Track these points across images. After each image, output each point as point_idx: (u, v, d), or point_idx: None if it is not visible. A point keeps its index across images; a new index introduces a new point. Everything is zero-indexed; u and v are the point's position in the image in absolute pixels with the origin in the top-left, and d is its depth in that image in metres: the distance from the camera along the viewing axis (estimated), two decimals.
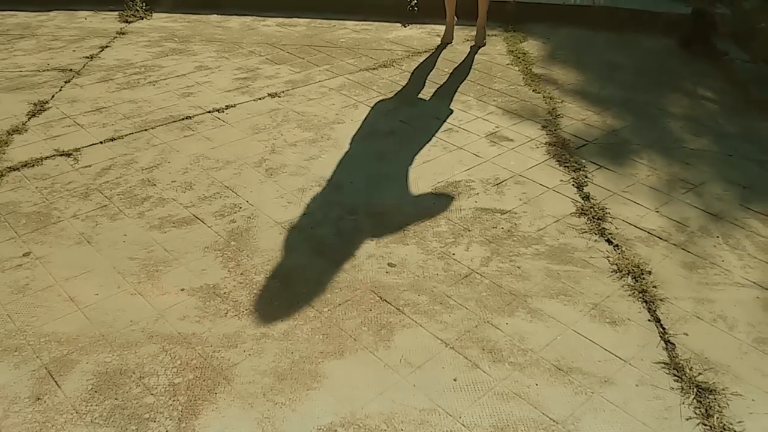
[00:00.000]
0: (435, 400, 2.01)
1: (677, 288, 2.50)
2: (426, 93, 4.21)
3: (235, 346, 2.19)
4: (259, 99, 4.04)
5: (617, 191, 3.12)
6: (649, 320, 2.34)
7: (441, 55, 4.85)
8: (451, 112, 3.91)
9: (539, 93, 4.19)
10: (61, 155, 3.33)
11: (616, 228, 2.84)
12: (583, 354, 2.19)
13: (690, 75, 4.60)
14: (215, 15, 5.69)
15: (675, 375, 2.11)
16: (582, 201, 3.03)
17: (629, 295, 2.45)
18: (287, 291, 2.45)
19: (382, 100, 4.05)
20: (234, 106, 3.93)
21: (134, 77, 4.32)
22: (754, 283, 2.54)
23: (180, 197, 3.01)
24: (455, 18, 5.10)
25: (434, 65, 4.64)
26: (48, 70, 4.40)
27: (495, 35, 5.24)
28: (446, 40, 5.10)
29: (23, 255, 2.60)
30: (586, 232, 2.82)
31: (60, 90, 4.09)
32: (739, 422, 1.96)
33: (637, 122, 3.85)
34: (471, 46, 5.02)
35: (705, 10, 4.91)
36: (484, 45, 5.03)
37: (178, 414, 1.94)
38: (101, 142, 3.47)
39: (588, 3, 5.61)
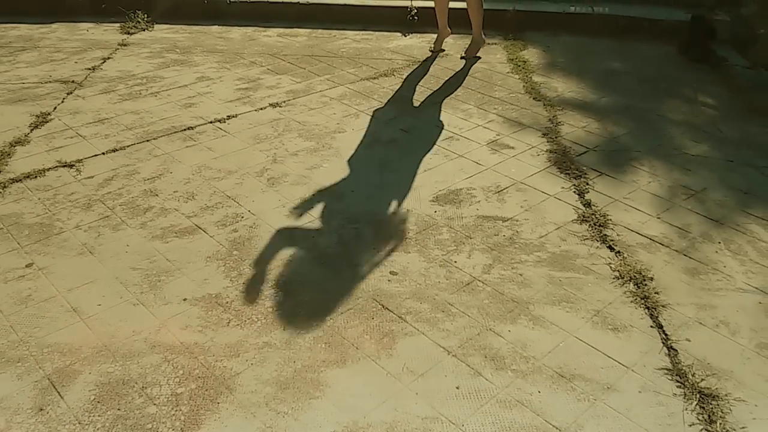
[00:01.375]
0: (437, 408, 2.01)
1: (679, 294, 2.50)
2: (427, 102, 4.22)
3: (238, 356, 2.19)
4: (261, 109, 4.06)
5: (618, 198, 3.12)
6: (651, 326, 2.34)
7: (441, 64, 4.86)
8: (451, 121, 3.92)
9: (539, 101, 4.20)
10: (63, 166, 3.34)
11: (618, 235, 2.85)
12: (586, 361, 2.19)
13: (690, 81, 4.61)
14: (216, 26, 5.72)
15: (678, 381, 2.11)
16: (583, 208, 3.04)
17: (631, 302, 2.45)
18: (289, 300, 2.45)
19: (383, 109, 4.07)
20: (235, 116, 3.95)
21: (136, 88, 4.35)
22: (756, 288, 2.54)
23: (182, 207, 3.02)
24: (448, 29, 5.02)
25: (435, 74, 4.66)
26: (50, 81, 4.42)
27: (495, 44, 5.25)
28: (435, 48, 5.06)
29: (26, 266, 2.61)
30: (587, 238, 2.82)
31: (62, 101, 4.11)
32: (742, 428, 1.96)
33: (637, 129, 3.86)
34: (461, 57, 4.94)
35: (704, 17, 4.93)
36: (477, 58, 4.92)
37: (181, 424, 1.94)
38: (103, 153, 3.49)
39: (587, 11, 5.62)
